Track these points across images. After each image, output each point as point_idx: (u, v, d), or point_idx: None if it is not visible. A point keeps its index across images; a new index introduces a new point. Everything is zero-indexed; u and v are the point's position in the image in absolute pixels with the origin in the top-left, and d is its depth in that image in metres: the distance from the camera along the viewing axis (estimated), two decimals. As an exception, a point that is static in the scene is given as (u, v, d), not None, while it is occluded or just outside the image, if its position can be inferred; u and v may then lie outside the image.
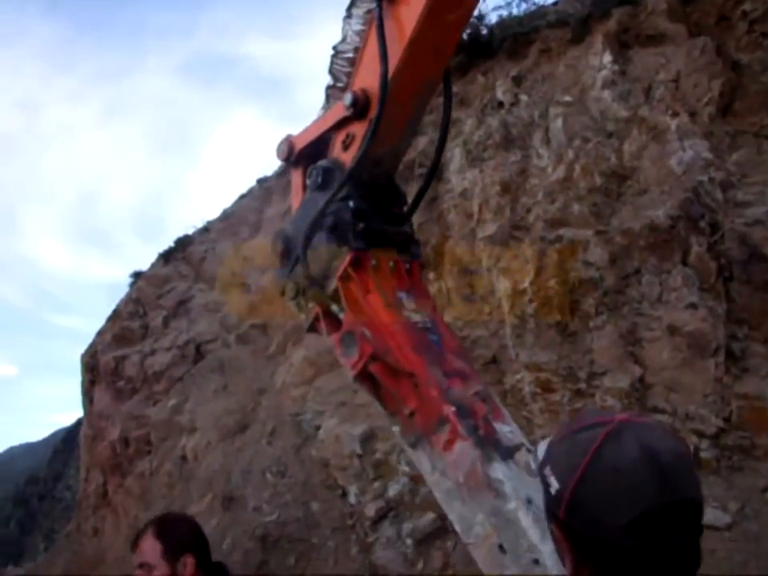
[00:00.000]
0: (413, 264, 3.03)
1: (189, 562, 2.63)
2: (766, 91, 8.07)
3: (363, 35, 2.97)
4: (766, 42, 8.66)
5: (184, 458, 11.79)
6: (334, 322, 2.93)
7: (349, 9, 3.04)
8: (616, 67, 8.50)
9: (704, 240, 6.64)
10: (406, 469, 7.74)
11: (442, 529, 7.21)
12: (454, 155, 10.01)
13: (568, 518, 1.26)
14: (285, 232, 3.06)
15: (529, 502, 2.17)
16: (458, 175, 9.81)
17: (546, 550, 2.01)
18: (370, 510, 7.73)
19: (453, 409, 2.39)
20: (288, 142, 3.14)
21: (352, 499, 8.15)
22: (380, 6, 2.72)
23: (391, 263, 2.92)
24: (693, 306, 6.50)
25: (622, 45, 8.71)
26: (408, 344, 2.62)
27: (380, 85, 2.64)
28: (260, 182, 18.45)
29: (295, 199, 3.16)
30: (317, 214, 2.81)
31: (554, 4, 10.63)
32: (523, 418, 7.42)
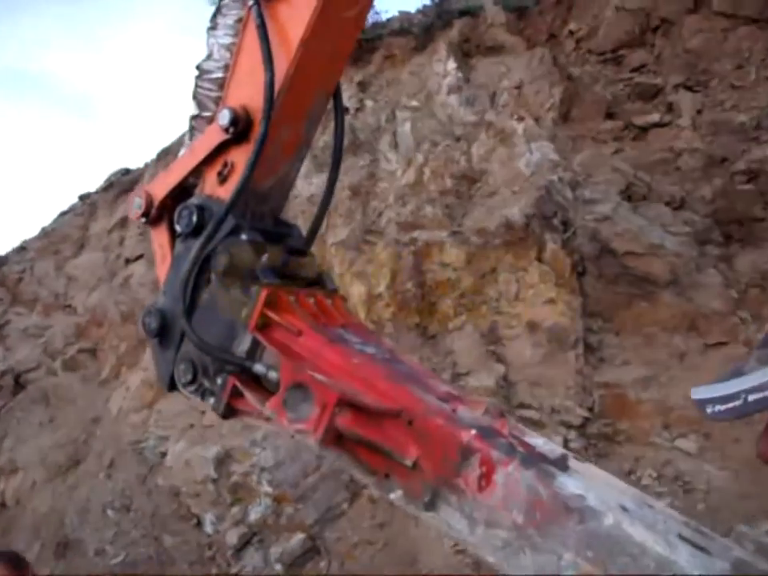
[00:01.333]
0: (335, 298, 2.46)
1: None
2: (598, 101, 8.61)
3: (234, 48, 2.55)
4: (592, 58, 9.27)
5: (3, 504, 10.40)
6: (262, 389, 2.27)
7: (213, 18, 2.62)
8: (460, 74, 8.68)
9: (557, 237, 6.86)
10: (268, 489, 7.27)
11: (314, 549, 6.82)
12: (299, 161, 9.70)
13: None
14: (155, 306, 2.50)
15: (624, 509, 1.62)
16: (304, 180, 9.52)
17: (681, 559, 1.49)
18: (232, 538, 7.14)
19: (473, 432, 1.77)
20: (144, 194, 2.59)
21: (209, 528, 7.51)
22: (258, 3, 2.34)
23: (311, 300, 2.36)
24: (551, 302, 6.68)
25: (464, 53, 8.92)
26: (380, 376, 2.03)
27: (265, 96, 2.26)
28: (82, 197, 17.07)
29: (162, 266, 2.57)
30: (193, 258, 2.32)
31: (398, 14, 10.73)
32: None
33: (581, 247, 6.78)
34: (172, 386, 2.46)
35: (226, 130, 2.34)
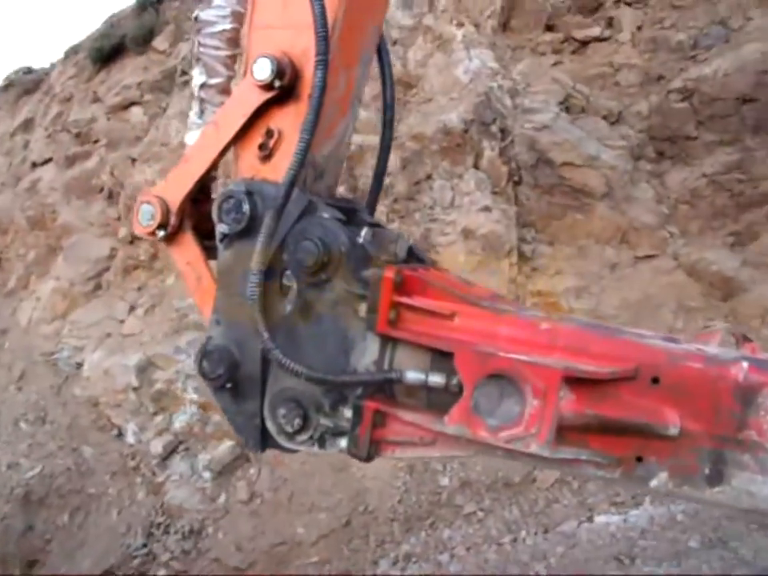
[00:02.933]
0: (442, 271, 2.11)
1: None
2: (539, 12, 8.39)
3: None
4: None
5: None
6: (412, 407, 1.73)
7: None
8: (398, -27, 8.25)
9: (495, 144, 6.73)
10: (194, 397, 7.05)
11: (243, 456, 6.70)
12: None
13: None
14: (212, 344, 1.90)
15: None
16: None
17: None
18: (156, 447, 6.92)
19: (745, 365, 1.37)
20: (155, 200, 1.97)
21: (131, 438, 7.27)
22: None
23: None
24: (486, 210, 6.59)
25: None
26: (586, 337, 1.56)
27: (317, 32, 1.72)
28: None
29: (199, 289, 1.99)
30: (259, 261, 1.71)
31: None
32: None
33: (518, 156, 6.68)
34: (265, 444, 1.92)
35: (268, 86, 1.81)
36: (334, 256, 1.77)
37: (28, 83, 14.11)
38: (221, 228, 1.90)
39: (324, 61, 1.75)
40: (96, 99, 11.19)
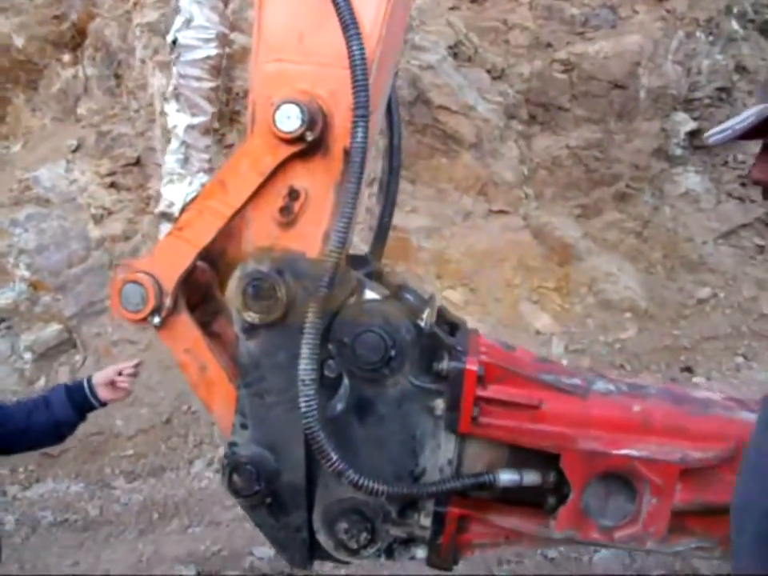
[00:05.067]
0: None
1: None
2: (445, -52, 8.32)
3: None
4: None
5: None
6: (492, 505, 1.58)
7: None
8: None
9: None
10: (25, 274, 6.68)
11: (69, 341, 6.48)
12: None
13: None
14: (244, 455, 1.62)
15: None
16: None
17: None
18: (-25, 319, 6.54)
19: None
20: (145, 279, 1.63)
21: (-52, 307, 6.80)
22: None
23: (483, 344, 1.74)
24: (358, 137, 6.60)
25: None
26: (677, 415, 1.52)
27: (357, 84, 1.43)
28: None
29: (202, 383, 1.70)
30: (310, 352, 1.44)
31: None
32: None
33: (398, 90, 6.69)
34: (313, 559, 1.68)
35: (296, 140, 1.51)
36: (400, 349, 1.54)
37: None
38: (248, 317, 1.61)
39: (366, 116, 1.47)
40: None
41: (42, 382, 6.41)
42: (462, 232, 6.90)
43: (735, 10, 8.52)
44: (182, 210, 1.85)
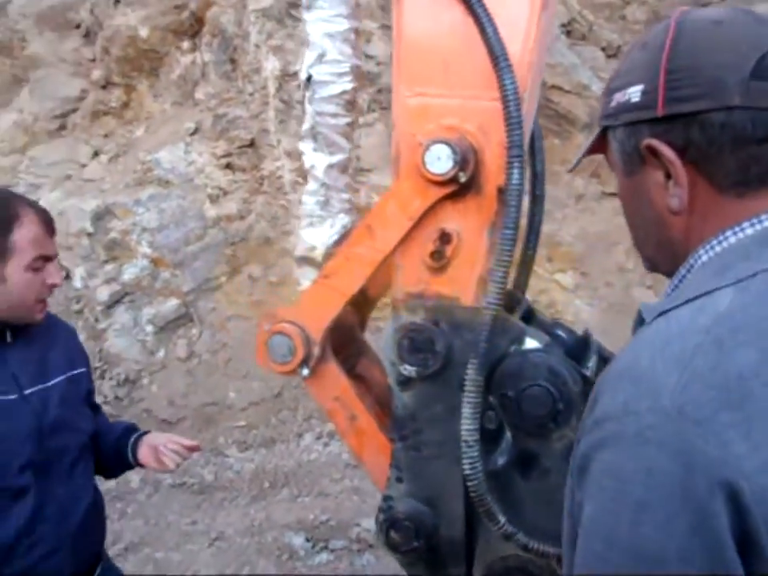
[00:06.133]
0: None
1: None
2: None
3: (349, 37, 1.66)
4: None
5: None
6: None
7: None
8: None
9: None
10: (147, 251, 7.03)
11: (187, 316, 6.78)
12: None
13: (670, 103, 0.95)
14: (399, 512, 1.57)
15: None
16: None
17: None
18: (102, 294, 6.93)
19: None
20: (294, 332, 1.59)
21: (78, 283, 7.24)
22: None
23: None
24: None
25: None
26: None
27: (510, 121, 1.36)
28: None
29: (351, 431, 1.67)
30: (471, 412, 1.43)
31: None
32: (281, 207, 7.09)
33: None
34: None
35: (448, 182, 1.44)
36: (568, 402, 1.46)
37: None
38: (404, 371, 1.54)
39: (521, 156, 1.38)
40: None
41: (161, 353, 6.74)
42: (573, 214, 6.74)
43: None
44: (326, 255, 1.76)
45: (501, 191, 1.47)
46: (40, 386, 2.12)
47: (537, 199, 1.94)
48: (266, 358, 1.64)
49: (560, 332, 1.76)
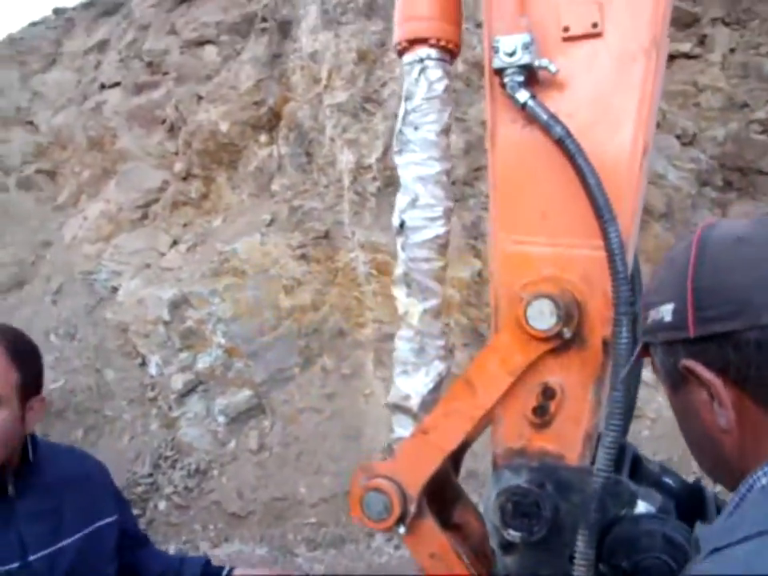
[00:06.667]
0: None
1: (39, 407, 1.92)
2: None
3: (443, 177, 1.63)
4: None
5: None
6: None
7: (400, 137, 1.68)
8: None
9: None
10: (221, 341, 7.13)
11: (259, 407, 6.77)
12: (308, 13, 9.08)
13: (701, 324, 0.91)
14: None
15: None
16: (309, 35, 8.92)
17: None
18: (177, 383, 7.03)
19: None
20: (391, 488, 1.54)
21: (153, 370, 7.38)
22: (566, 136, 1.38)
23: None
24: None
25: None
26: None
27: (616, 279, 1.29)
28: (57, 11, 15.80)
29: None
30: None
31: None
32: (354, 299, 7.11)
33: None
34: None
35: (553, 337, 1.37)
36: (681, 570, 1.34)
37: (109, 4, 14.19)
38: (507, 536, 1.45)
39: (629, 312, 1.30)
40: (173, 31, 11.22)
41: (232, 444, 6.72)
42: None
43: None
44: (421, 404, 1.71)
45: (606, 343, 1.39)
46: (50, 549, 1.77)
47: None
48: (361, 514, 1.57)
49: (669, 480, 1.64)
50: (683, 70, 8.11)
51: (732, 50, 8.08)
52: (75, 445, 6.83)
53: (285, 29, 9.19)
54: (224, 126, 8.50)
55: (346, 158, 7.48)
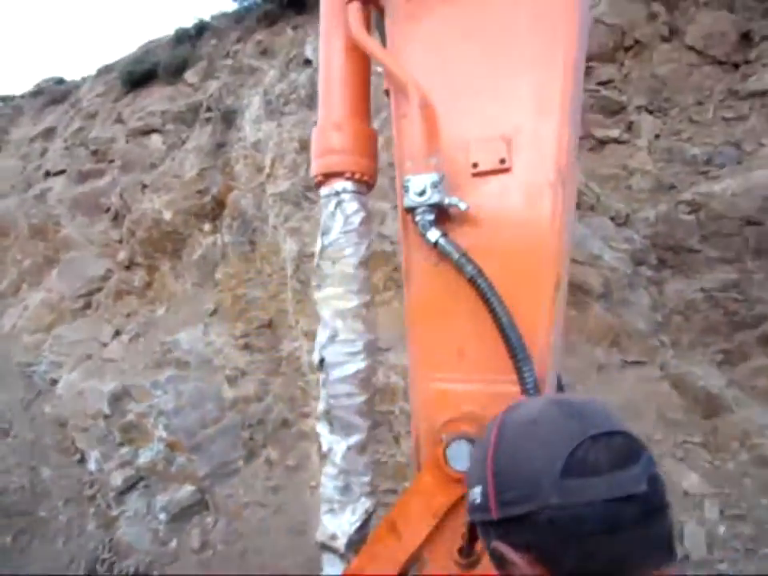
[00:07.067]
0: None
1: None
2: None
3: (362, 315, 1.74)
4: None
5: None
6: None
7: (319, 273, 1.75)
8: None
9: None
10: (163, 434, 6.93)
11: (202, 503, 6.54)
12: (252, 103, 9.29)
13: (501, 507, 0.94)
14: None
15: None
16: (252, 125, 9.10)
17: None
18: (116, 479, 6.78)
19: None
20: None
21: (92, 465, 7.12)
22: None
23: None
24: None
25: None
26: None
27: (527, 393, 1.36)
28: (4, 99, 15.90)
29: None
30: None
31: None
32: (299, 389, 7.02)
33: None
34: None
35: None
36: None
37: (57, 93, 14.35)
38: None
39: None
40: (119, 120, 11.34)
41: (174, 543, 6.45)
42: (596, 386, 6.59)
43: None
44: (348, 544, 1.68)
45: None
46: None
47: None
48: None
49: None
50: (614, 155, 8.48)
51: (657, 136, 8.48)
52: (3, 551, 6.48)
53: (229, 118, 9.36)
54: (168, 215, 8.51)
55: (288, 247, 7.53)
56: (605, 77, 9.24)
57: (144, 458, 6.88)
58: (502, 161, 1.55)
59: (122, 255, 9.07)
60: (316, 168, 1.82)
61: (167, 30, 12.73)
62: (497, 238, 1.55)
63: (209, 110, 9.88)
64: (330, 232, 1.77)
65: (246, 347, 7.24)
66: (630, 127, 8.67)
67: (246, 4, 11.68)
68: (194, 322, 7.49)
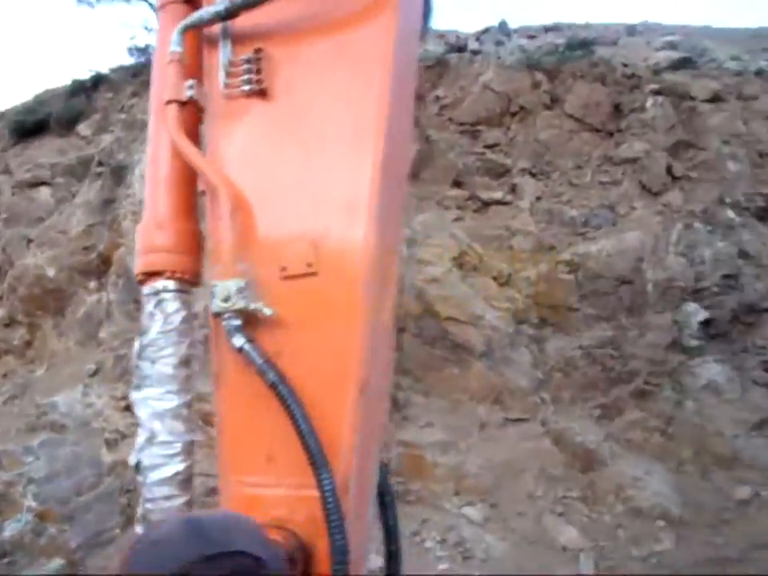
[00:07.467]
0: None
1: None
2: (449, 168, 8.93)
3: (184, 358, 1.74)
4: (452, 127, 9.65)
5: None
6: None
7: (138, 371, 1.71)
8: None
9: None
10: (32, 504, 6.56)
11: (72, 577, 6.21)
12: (142, 160, 9.21)
13: None
14: None
15: None
16: (142, 182, 9.00)
17: None
18: (-21, 556, 6.35)
19: None
20: None
21: (-46, 541, 6.65)
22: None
23: None
24: (368, 352, 6.69)
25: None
26: None
27: (329, 518, 1.38)
28: None
29: None
30: None
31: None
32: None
33: (406, 304, 6.90)
34: None
35: None
36: None
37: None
38: None
39: (346, 561, 1.34)
40: (7, 171, 11.00)
41: (41, 624, 6.07)
42: (478, 444, 6.74)
43: (728, 200, 8.81)
44: None
45: None
46: None
47: (392, 554, 1.93)
48: None
49: None
50: (497, 216, 8.86)
51: (538, 198, 8.94)
52: None
53: (120, 174, 9.24)
54: (51, 271, 8.26)
55: (175, 305, 7.43)
56: (491, 140, 9.71)
57: (10, 530, 6.48)
58: (309, 264, 1.59)
59: (2, 312, 8.70)
60: (138, 266, 1.81)
61: (63, 81, 12.45)
62: (303, 342, 1.58)
63: (100, 164, 9.72)
64: (150, 331, 1.76)
65: (127, 409, 7.01)
66: (513, 189, 9.10)
67: (143, 59, 11.66)
68: (73, 383, 7.23)
